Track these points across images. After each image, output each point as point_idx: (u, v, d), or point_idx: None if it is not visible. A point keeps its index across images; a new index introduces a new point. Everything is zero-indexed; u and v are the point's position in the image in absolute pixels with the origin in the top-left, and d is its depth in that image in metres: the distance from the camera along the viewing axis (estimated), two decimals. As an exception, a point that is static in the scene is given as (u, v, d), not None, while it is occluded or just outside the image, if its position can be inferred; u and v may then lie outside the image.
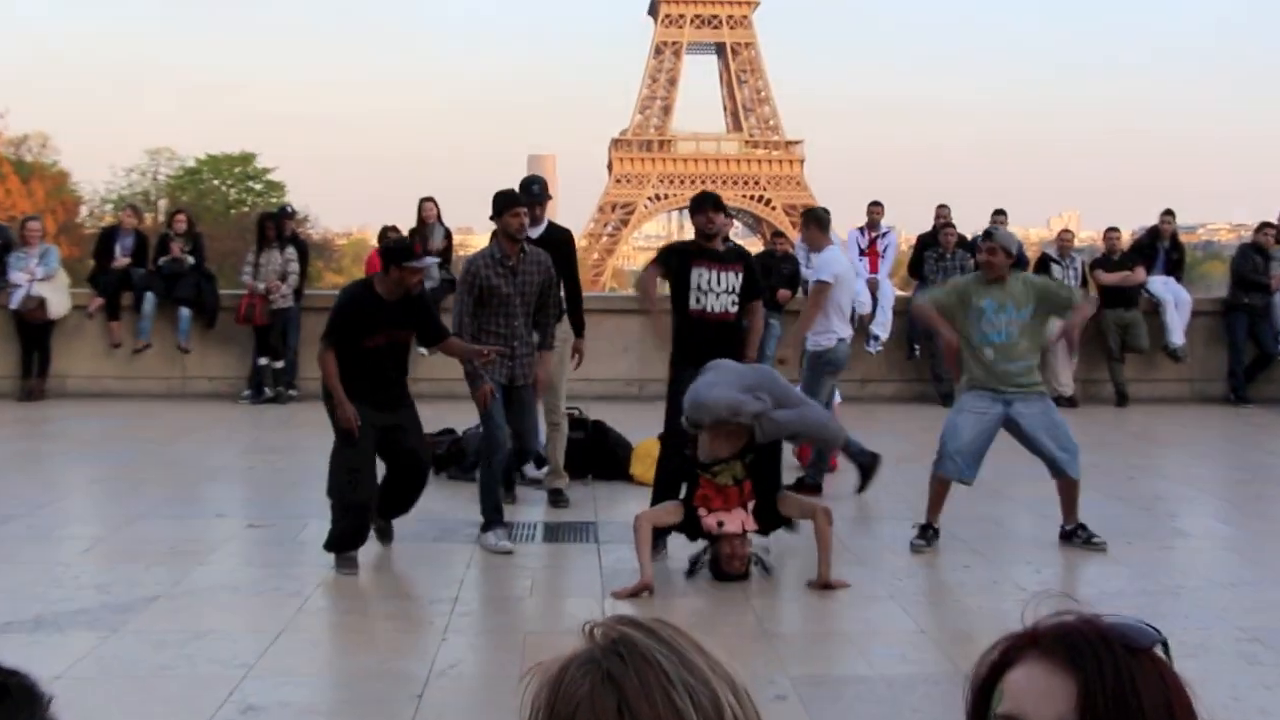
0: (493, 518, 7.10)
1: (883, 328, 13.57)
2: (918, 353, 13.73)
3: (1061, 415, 7.25)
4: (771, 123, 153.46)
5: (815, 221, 8.82)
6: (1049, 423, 7.08)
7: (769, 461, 6.49)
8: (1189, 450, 11.19)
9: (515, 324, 7.27)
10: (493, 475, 7.16)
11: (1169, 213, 14.22)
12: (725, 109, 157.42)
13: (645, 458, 8.97)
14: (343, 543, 6.55)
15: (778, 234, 14.33)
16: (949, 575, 6.67)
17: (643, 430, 9.41)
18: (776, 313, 12.28)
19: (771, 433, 6.33)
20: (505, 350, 7.20)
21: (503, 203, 7.26)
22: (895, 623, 5.83)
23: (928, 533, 7.18)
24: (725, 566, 6.38)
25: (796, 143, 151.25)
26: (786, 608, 6.20)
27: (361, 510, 6.57)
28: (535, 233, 8.04)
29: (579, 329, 8.52)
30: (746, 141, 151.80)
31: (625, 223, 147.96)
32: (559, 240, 8.25)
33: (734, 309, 7.11)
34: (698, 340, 7.03)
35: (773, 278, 12.28)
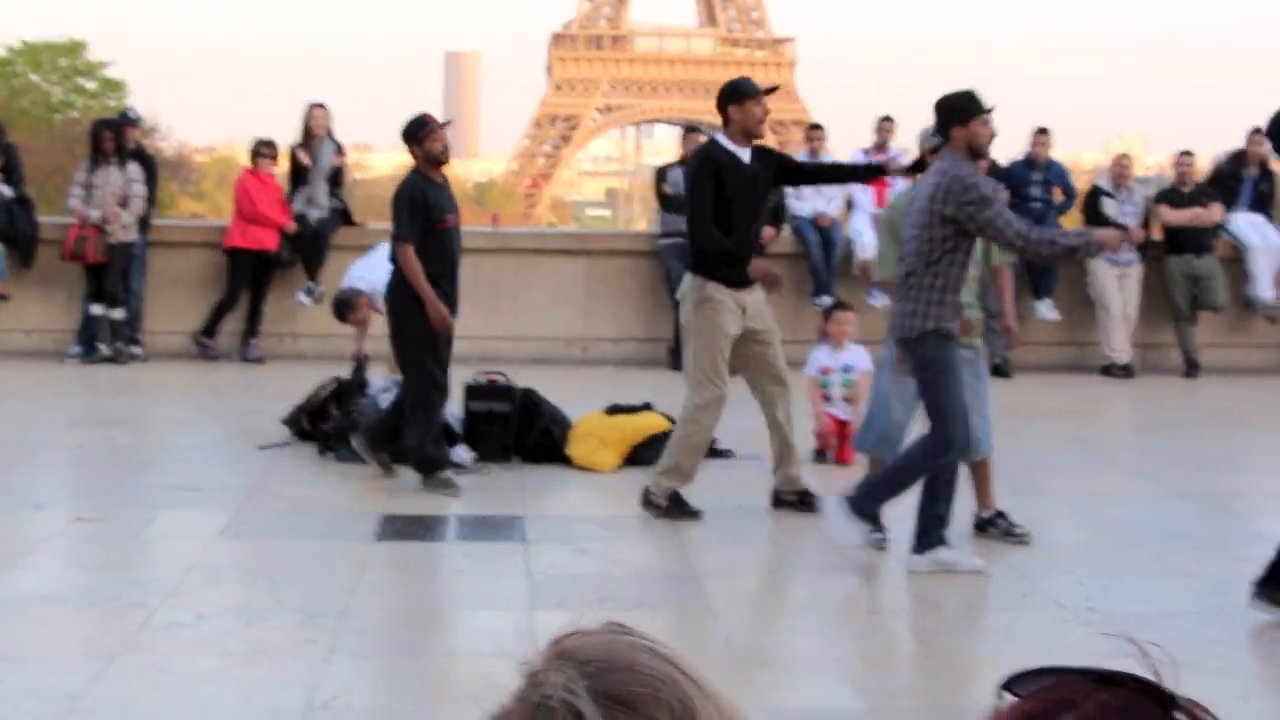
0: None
1: (891, 276, 13.58)
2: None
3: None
4: (755, 15, 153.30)
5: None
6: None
7: None
8: (1276, 435, 11.35)
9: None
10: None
11: (1260, 132, 14.29)
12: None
13: (588, 437, 9.00)
14: (435, 457, 8.01)
15: (760, 155, 14.33)
16: (967, 587, 6.75)
17: (585, 402, 9.43)
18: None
19: None
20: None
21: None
22: (896, 645, 5.90)
23: (878, 520, 7.30)
24: None
25: (786, 41, 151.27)
26: (759, 625, 6.25)
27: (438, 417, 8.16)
28: None
29: None
30: (723, 39, 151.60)
31: (567, 140, 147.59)
32: None
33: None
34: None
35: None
